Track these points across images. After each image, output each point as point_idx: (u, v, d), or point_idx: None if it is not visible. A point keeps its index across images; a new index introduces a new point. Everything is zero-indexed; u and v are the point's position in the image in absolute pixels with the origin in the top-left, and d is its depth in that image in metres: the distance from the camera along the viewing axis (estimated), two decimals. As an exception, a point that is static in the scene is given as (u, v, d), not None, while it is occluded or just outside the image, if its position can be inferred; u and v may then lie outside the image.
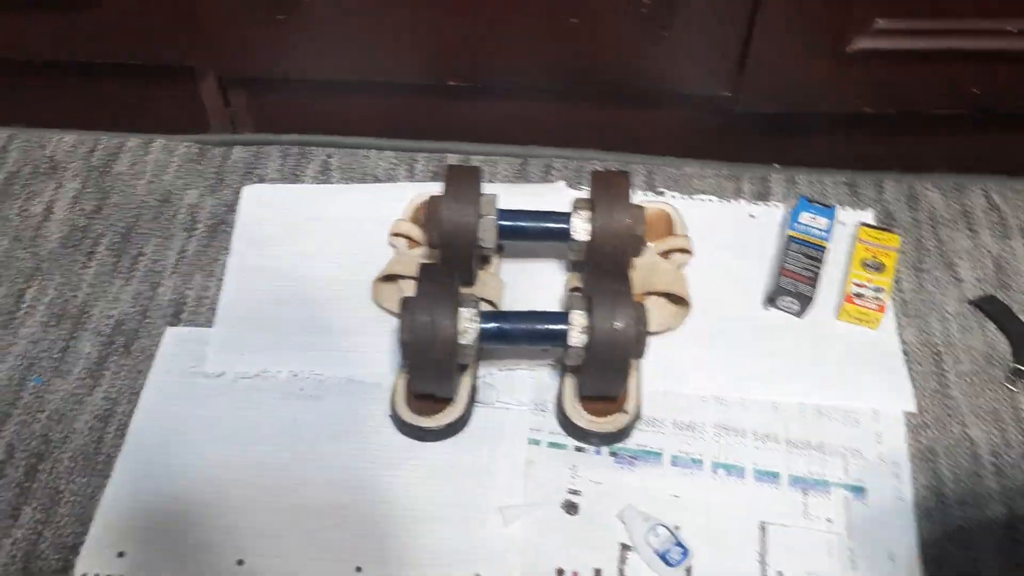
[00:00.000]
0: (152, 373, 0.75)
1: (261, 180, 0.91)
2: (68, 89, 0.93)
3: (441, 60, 0.85)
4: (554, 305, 0.80)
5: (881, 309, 0.78)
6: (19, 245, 0.85)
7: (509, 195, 0.79)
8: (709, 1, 0.77)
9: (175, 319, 0.79)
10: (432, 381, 0.68)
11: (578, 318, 0.68)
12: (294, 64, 0.85)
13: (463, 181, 0.76)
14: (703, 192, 0.91)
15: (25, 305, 0.80)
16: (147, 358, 0.77)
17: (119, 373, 0.76)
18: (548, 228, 0.78)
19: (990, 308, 0.81)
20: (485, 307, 0.72)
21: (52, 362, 0.76)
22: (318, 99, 0.92)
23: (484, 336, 0.69)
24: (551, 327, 0.69)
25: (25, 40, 0.86)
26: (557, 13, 0.78)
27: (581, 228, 0.75)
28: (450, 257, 0.76)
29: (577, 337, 0.68)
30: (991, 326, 0.80)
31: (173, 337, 0.78)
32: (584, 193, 0.89)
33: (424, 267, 0.70)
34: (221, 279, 0.82)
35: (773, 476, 0.70)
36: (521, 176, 0.92)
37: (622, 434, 0.71)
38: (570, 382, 0.73)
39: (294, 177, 0.92)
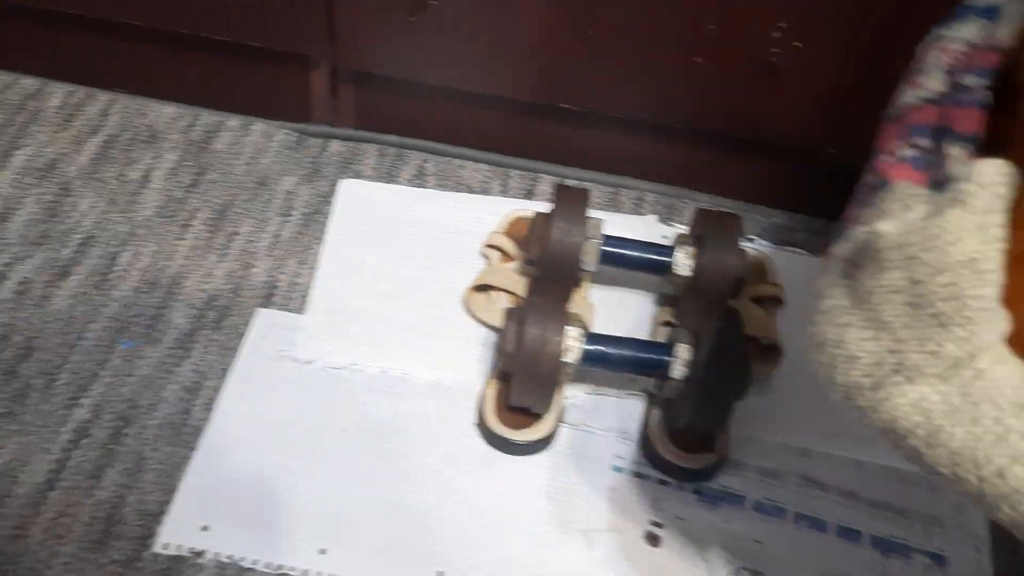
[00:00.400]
0: (242, 352, 0.75)
1: (357, 176, 0.92)
2: (173, 61, 0.94)
3: (558, 83, 0.85)
4: (639, 335, 0.80)
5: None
6: (115, 208, 0.85)
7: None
8: (837, 56, 0.78)
9: (266, 301, 0.79)
10: (532, 395, 0.68)
11: (683, 352, 0.68)
12: (415, 66, 0.86)
13: (573, 202, 0.76)
14: (791, 244, 0.91)
15: (119, 268, 0.80)
16: (236, 336, 0.77)
17: (209, 347, 0.75)
18: (649, 259, 0.78)
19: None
20: (580, 329, 0.73)
21: (143, 328, 0.76)
22: (423, 103, 0.93)
23: (585, 357, 0.69)
24: (653, 357, 0.69)
25: (148, 7, 0.86)
26: (685, 50, 0.79)
27: (684, 263, 0.76)
28: (550, 276, 0.76)
29: (680, 370, 0.68)
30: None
31: (264, 319, 0.78)
32: (678, 229, 0.90)
33: (535, 280, 0.71)
34: (314, 267, 0.83)
35: (855, 534, 0.70)
36: (612, 205, 0.93)
37: (708, 473, 0.71)
38: (659, 414, 0.73)
39: (389, 177, 0.92)
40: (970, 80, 0.46)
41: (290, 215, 0.87)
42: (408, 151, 0.95)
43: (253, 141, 0.94)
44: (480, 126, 0.94)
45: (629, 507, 0.69)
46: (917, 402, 0.38)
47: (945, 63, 0.50)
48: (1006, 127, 0.43)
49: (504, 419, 0.71)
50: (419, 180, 0.92)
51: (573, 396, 0.75)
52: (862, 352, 0.39)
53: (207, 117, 0.95)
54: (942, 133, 0.43)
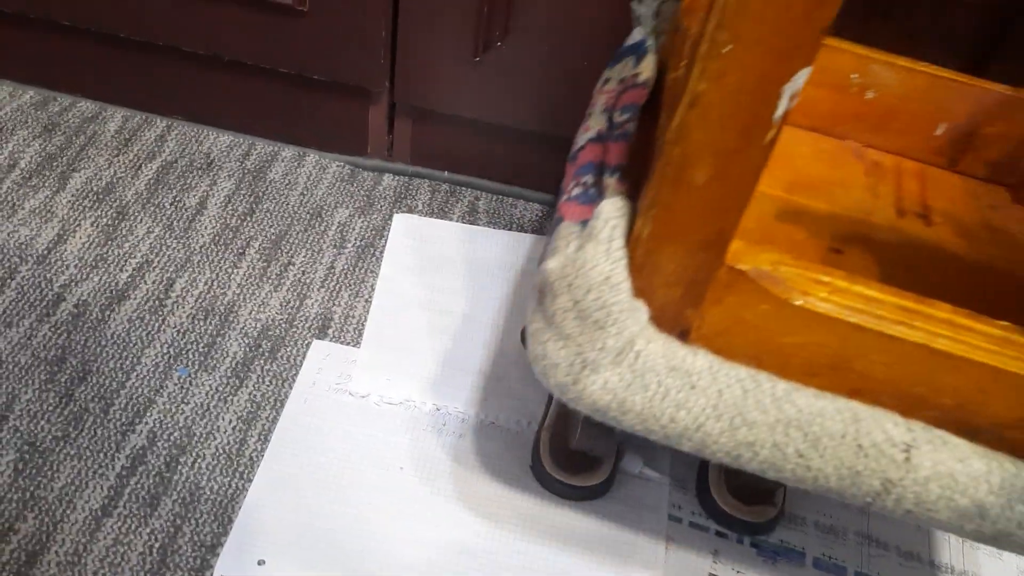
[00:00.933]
0: (297, 383, 0.75)
1: (410, 211, 0.92)
2: (231, 89, 0.95)
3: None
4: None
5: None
6: (171, 234, 0.85)
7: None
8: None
9: (321, 333, 0.79)
10: (596, 439, 0.68)
11: (748, 402, 0.67)
12: (473, 104, 0.86)
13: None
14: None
15: (175, 295, 0.80)
16: (291, 367, 0.76)
17: (264, 378, 0.75)
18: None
19: None
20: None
21: (198, 355, 0.76)
22: (477, 140, 0.93)
23: (648, 403, 0.68)
24: (716, 406, 0.69)
25: (216, 36, 0.87)
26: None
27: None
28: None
29: (744, 420, 0.67)
30: None
31: (319, 350, 0.77)
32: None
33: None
34: (368, 300, 0.82)
35: (917, 595, 0.69)
36: (664, 250, 0.93)
37: (767, 527, 0.70)
38: (717, 466, 0.72)
39: (441, 213, 0.92)
40: (619, 117, 0.56)
41: (344, 247, 0.87)
42: (460, 187, 0.96)
43: (307, 172, 0.94)
44: (533, 165, 0.94)
45: (687, 559, 0.68)
46: (604, 385, 0.50)
47: (604, 103, 0.60)
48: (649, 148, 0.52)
49: (560, 463, 0.71)
50: (471, 217, 0.93)
51: (628, 443, 0.75)
52: (559, 359, 0.51)
53: (262, 146, 0.96)
54: (601, 168, 0.53)
